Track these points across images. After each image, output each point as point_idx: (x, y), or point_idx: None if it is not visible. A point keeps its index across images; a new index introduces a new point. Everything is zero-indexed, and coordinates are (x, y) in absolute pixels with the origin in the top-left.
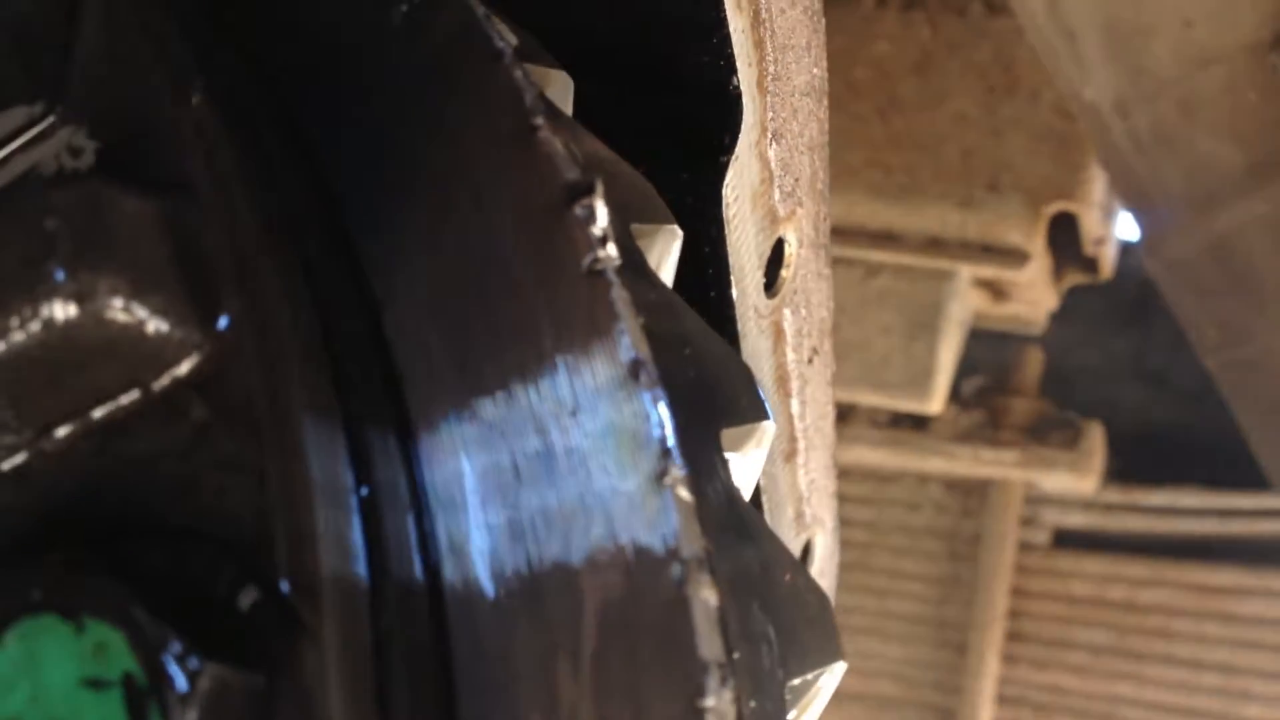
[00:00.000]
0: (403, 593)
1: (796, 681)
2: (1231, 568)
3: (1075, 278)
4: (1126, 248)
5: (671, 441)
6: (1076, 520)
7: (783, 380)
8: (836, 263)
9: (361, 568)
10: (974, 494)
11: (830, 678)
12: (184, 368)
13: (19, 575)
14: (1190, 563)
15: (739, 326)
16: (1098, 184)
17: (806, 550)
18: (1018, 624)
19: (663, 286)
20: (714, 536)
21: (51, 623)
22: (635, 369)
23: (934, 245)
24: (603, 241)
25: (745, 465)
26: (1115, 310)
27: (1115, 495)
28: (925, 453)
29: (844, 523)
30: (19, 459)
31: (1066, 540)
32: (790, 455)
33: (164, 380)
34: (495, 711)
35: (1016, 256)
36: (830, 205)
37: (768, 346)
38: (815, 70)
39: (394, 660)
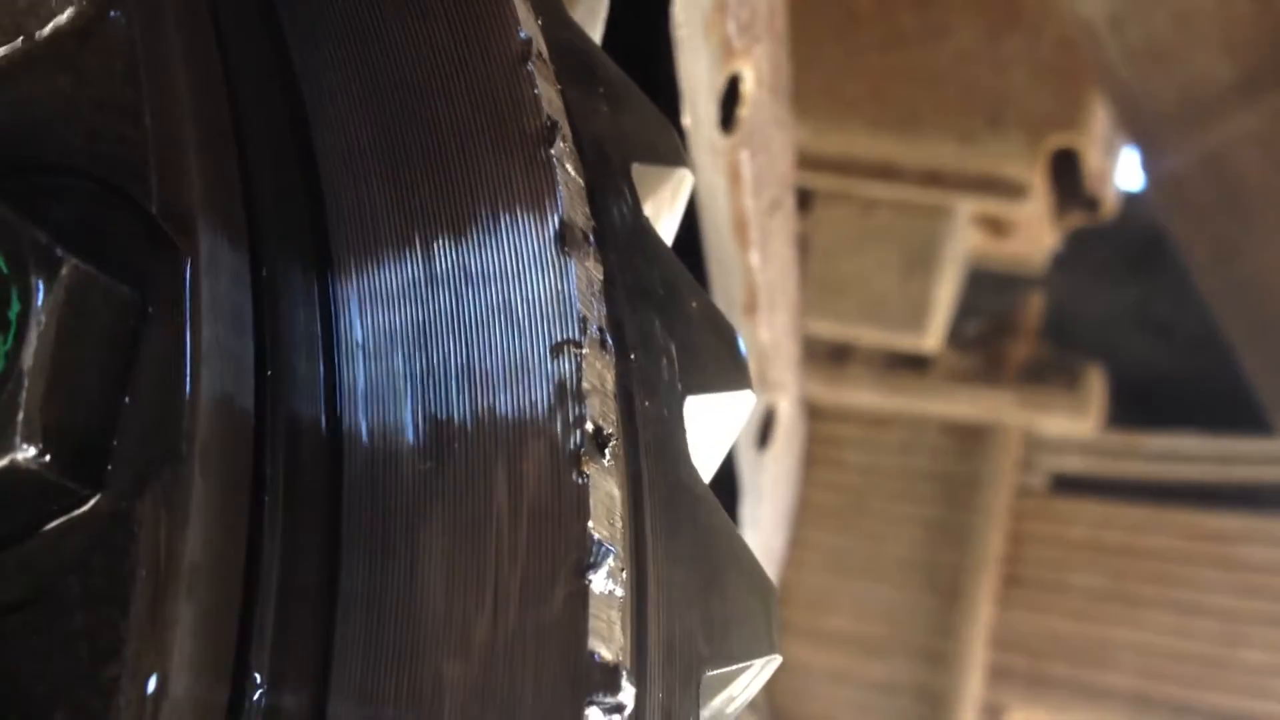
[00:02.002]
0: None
1: (698, 399)
2: (1231, 513)
3: (1077, 219)
4: (1132, 198)
5: (561, 121)
6: (1075, 465)
7: (741, 227)
8: (834, 198)
9: (240, 245)
10: (971, 438)
11: (736, 404)
12: (65, 17)
13: None
14: (1189, 508)
15: (694, 157)
16: (1099, 118)
17: (769, 416)
18: (1013, 568)
19: (577, 29)
20: (614, 248)
21: None
22: (526, 50)
23: (933, 179)
24: None
25: (662, 212)
26: (1119, 260)
27: (1114, 440)
28: (923, 395)
29: (839, 466)
30: None
31: (1064, 485)
32: (750, 309)
33: (46, 29)
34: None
35: (1016, 190)
36: (788, 48)
37: (724, 186)
38: None
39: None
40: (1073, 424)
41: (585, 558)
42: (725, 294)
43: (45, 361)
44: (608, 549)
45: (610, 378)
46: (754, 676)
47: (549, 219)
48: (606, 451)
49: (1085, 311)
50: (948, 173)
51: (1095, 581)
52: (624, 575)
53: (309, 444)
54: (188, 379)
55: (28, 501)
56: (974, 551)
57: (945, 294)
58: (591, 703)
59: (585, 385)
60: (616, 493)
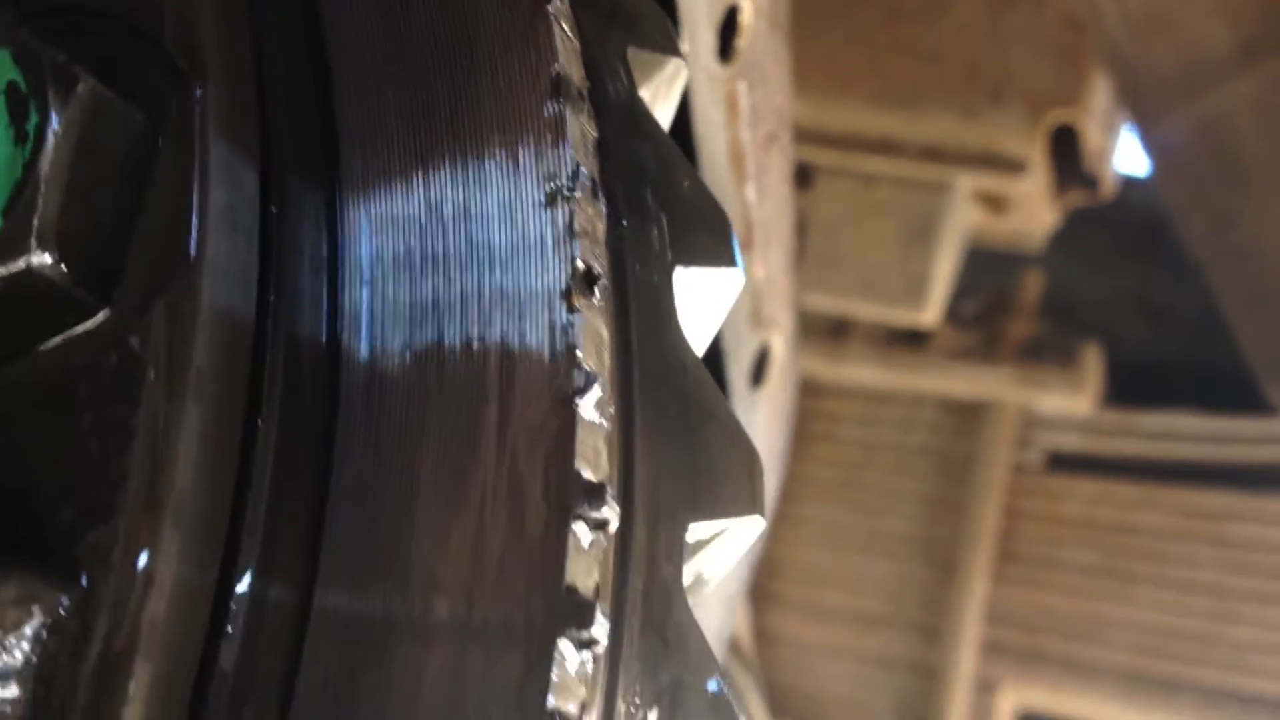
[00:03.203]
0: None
1: (688, 271)
2: (1225, 492)
3: (1076, 197)
4: (1131, 182)
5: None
6: (1071, 442)
7: (738, 159)
8: (834, 174)
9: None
10: (968, 415)
11: (725, 280)
12: None
13: None
14: (1183, 486)
15: (691, 85)
16: (1100, 96)
17: (764, 354)
18: (1008, 544)
19: None
20: (608, 118)
21: None
22: None
23: (933, 154)
24: None
25: (657, 100)
26: (1119, 244)
27: (1110, 418)
28: (922, 371)
29: (837, 442)
30: None
31: (1060, 462)
32: (746, 245)
33: None
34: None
35: (1015, 166)
36: None
37: (721, 118)
38: None
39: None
40: (1069, 402)
41: (573, 384)
42: None
43: (62, 172)
44: (594, 376)
45: (601, 227)
46: (736, 538)
47: (545, 71)
48: (596, 290)
49: (1084, 295)
50: (948, 148)
51: (1089, 558)
52: (611, 410)
53: (308, 335)
54: (195, 196)
55: (40, 311)
56: (969, 527)
57: (944, 269)
58: (579, 517)
59: (577, 227)
60: (605, 333)
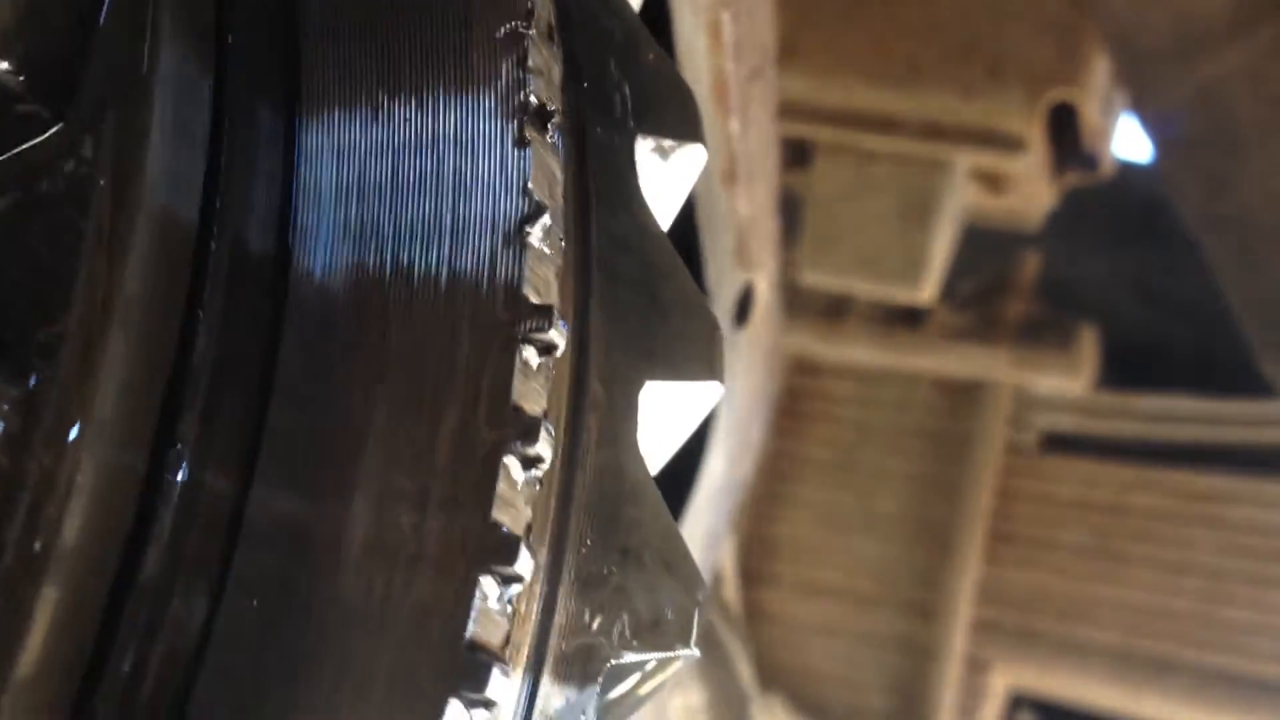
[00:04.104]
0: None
1: (650, 142)
2: (1220, 474)
3: (1074, 177)
4: (1131, 167)
5: None
6: (1066, 423)
7: (721, 91)
8: (833, 151)
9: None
10: (964, 395)
11: (689, 156)
12: None
13: None
14: (1178, 468)
15: (673, 12)
16: (1099, 74)
17: (747, 294)
18: (1002, 524)
19: None
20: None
21: None
22: None
23: (932, 132)
24: None
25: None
26: (1118, 229)
27: (1105, 400)
28: (918, 351)
29: (833, 421)
30: None
31: (1055, 443)
32: (729, 178)
33: None
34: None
35: (1014, 143)
36: None
37: (704, 46)
38: None
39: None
40: (1065, 383)
41: (521, 210)
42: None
43: None
44: (544, 206)
45: (557, 71)
46: (696, 401)
47: None
48: (549, 128)
49: (1082, 278)
50: (947, 125)
51: (1083, 539)
52: (563, 246)
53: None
54: (151, 13)
55: None
56: (964, 507)
57: (941, 247)
58: (526, 340)
59: (530, 64)
60: (556, 171)
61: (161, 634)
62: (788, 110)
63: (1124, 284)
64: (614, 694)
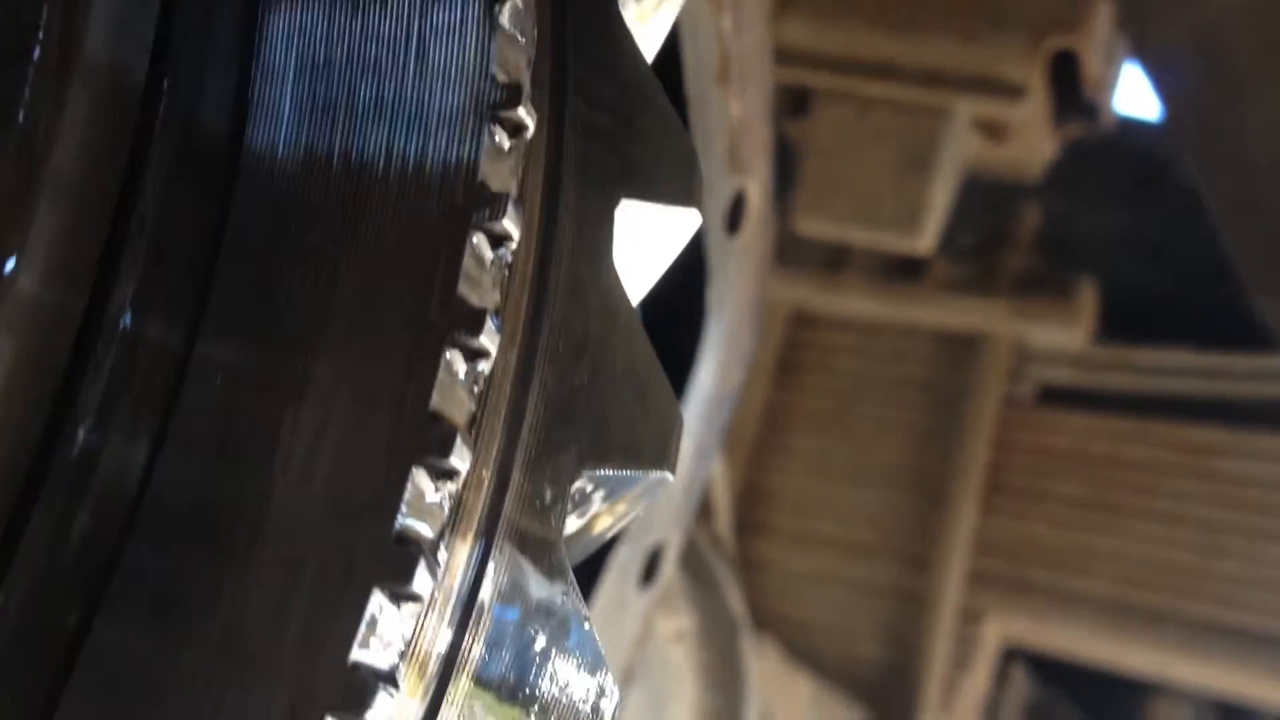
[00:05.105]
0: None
1: None
2: (1215, 427)
3: (1075, 128)
4: (1133, 123)
5: None
6: (1063, 376)
7: None
8: (833, 98)
9: None
10: (962, 347)
11: None
12: None
13: None
14: (1173, 421)
15: None
16: (1101, 23)
17: (740, 200)
18: (999, 476)
19: None
20: None
21: None
22: None
23: (933, 79)
24: None
25: None
26: (1118, 184)
27: (1102, 353)
28: (917, 303)
29: (831, 372)
30: None
31: (1052, 396)
32: (722, 77)
33: None
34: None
35: (1014, 91)
36: None
37: None
38: None
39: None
40: (1063, 336)
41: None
42: (696, 59)
43: None
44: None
45: None
46: (674, 228)
47: None
48: None
49: (1082, 233)
50: (947, 72)
51: (1078, 491)
52: (535, 32)
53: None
54: None
55: None
56: (960, 459)
57: (941, 196)
58: (495, 119)
59: None
60: None
61: (96, 475)
62: (787, 57)
63: (1123, 239)
64: (586, 517)
